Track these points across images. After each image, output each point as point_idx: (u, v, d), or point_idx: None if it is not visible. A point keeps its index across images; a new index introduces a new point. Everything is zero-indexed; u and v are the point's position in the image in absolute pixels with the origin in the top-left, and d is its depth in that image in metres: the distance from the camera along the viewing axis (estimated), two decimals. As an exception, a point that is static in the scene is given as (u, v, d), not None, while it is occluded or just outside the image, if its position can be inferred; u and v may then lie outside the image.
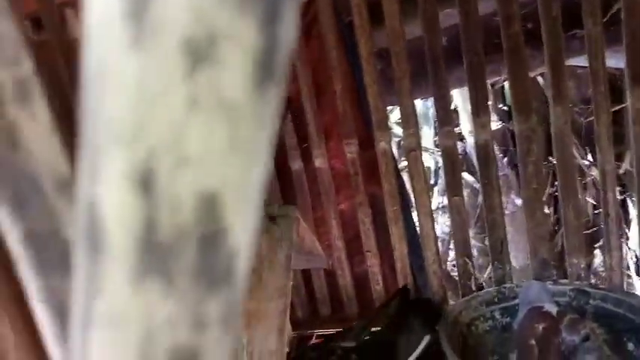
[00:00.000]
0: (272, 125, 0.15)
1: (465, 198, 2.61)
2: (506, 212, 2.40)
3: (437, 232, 2.72)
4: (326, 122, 1.53)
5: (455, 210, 1.47)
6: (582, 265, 1.39)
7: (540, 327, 1.18)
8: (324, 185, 1.54)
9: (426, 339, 1.06)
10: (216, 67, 0.13)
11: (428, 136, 2.77)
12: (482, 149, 1.42)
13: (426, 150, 2.78)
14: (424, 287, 1.48)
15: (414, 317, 1.11)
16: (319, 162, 1.50)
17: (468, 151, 2.41)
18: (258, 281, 0.82)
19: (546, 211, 2.26)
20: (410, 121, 1.42)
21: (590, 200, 2.23)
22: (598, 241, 2.11)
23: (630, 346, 1.17)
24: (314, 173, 1.53)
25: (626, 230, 2.09)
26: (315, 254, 1.06)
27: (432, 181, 2.82)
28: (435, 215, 2.78)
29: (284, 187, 1.56)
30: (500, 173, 2.44)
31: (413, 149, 1.44)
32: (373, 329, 1.11)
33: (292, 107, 1.50)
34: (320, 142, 1.50)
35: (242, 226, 0.16)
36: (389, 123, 1.47)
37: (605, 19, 1.33)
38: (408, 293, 1.37)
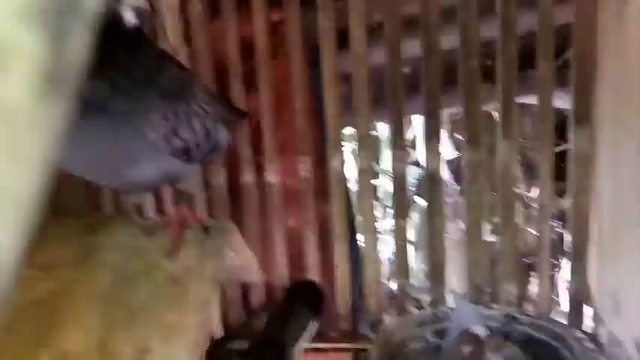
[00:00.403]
0: (55, 135, 0.16)
1: (418, 221, 2.68)
2: (454, 238, 2.48)
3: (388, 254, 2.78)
4: (283, 138, 1.56)
5: (398, 232, 1.52)
6: (514, 292, 1.46)
7: (468, 350, 1.22)
8: (274, 200, 1.56)
9: (314, 325, 1.08)
10: (1, 75, 0.15)
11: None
12: (431, 176, 1.48)
13: (387, 172, 2.85)
14: (363, 308, 1.52)
15: (299, 305, 1.12)
16: (272, 177, 1.53)
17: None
18: (183, 292, 0.83)
19: (492, 239, 2.36)
20: (365, 143, 1.47)
21: (533, 231, 2.33)
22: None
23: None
24: (266, 188, 1.55)
25: (561, 261, 2.20)
26: (248, 268, 1.07)
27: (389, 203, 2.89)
28: (387, 237, 2.85)
29: (234, 200, 1.58)
30: (452, 200, 2.53)
31: (365, 170, 1.49)
32: (265, 325, 1.10)
33: (251, 121, 1.53)
34: (274, 157, 1.53)
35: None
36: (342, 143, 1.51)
37: (557, 63, 1.42)
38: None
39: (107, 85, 0.72)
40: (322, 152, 1.54)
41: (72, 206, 1.20)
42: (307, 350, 1.17)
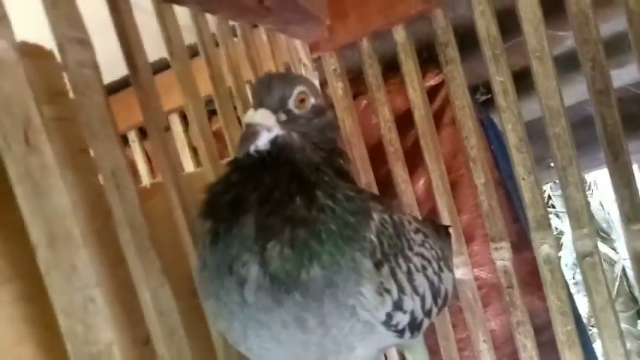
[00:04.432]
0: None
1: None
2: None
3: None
4: (465, 223, 1.27)
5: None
6: None
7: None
8: (467, 300, 1.25)
9: None
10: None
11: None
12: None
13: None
14: None
15: None
16: (461, 272, 1.23)
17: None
18: None
19: None
20: (581, 217, 1.11)
21: None
22: None
23: None
24: (455, 286, 1.25)
25: None
26: None
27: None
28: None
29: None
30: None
31: (588, 254, 1.11)
32: None
33: (421, 207, 1.27)
34: (460, 247, 1.23)
35: None
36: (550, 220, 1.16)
37: None
38: None
39: (291, 250, 0.50)
40: (521, 234, 1.21)
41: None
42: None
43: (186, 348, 0.57)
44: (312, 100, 0.58)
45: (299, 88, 0.56)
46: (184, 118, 1.49)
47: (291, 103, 0.56)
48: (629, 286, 2.79)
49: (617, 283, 2.63)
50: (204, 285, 0.56)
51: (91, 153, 0.55)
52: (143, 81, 0.63)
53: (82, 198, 0.52)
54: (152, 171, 1.56)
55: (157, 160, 0.65)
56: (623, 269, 2.68)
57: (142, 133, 1.54)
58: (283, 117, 0.55)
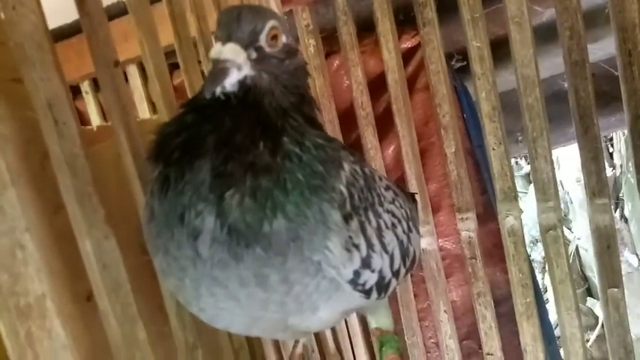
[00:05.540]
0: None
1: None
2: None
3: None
4: (433, 192, 1.25)
5: (612, 304, 1.11)
6: None
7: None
8: (430, 270, 1.23)
9: None
10: None
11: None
12: None
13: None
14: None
15: None
16: (426, 242, 1.21)
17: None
18: None
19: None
20: (548, 190, 1.10)
21: None
22: None
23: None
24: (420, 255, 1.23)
25: None
26: None
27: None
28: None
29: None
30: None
31: (552, 227, 1.11)
32: None
33: (390, 175, 1.24)
34: (427, 216, 1.21)
35: None
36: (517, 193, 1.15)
37: None
38: None
39: (253, 200, 0.45)
40: (487, 205, 1.20)
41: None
42: None
43: (132, 305, 0.52)
44: (283, 38, 0.52)
45: (271, 23, 0.49)
46: (144, 71, 1.39)
47: (263, 40, 0.49)
48: (581, 264, 2.91)
49: (570, 261, 2.73)
50: (152, 238, 0.50)
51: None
52: (89, 7, 0.55)
53: (12, 132, 0.45)
54: (107, 126, 1.47)
55: (105, 102, 0.58)
56: (576, 248, 2.79)
57: (97, 84, 1.44)
58: (254, 54, 0.48)
